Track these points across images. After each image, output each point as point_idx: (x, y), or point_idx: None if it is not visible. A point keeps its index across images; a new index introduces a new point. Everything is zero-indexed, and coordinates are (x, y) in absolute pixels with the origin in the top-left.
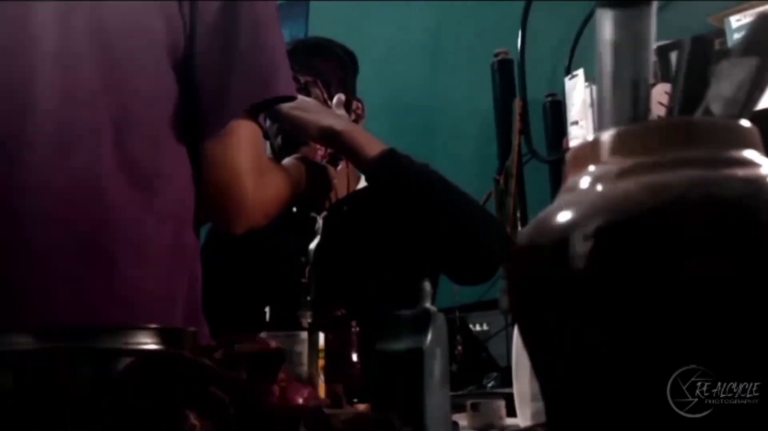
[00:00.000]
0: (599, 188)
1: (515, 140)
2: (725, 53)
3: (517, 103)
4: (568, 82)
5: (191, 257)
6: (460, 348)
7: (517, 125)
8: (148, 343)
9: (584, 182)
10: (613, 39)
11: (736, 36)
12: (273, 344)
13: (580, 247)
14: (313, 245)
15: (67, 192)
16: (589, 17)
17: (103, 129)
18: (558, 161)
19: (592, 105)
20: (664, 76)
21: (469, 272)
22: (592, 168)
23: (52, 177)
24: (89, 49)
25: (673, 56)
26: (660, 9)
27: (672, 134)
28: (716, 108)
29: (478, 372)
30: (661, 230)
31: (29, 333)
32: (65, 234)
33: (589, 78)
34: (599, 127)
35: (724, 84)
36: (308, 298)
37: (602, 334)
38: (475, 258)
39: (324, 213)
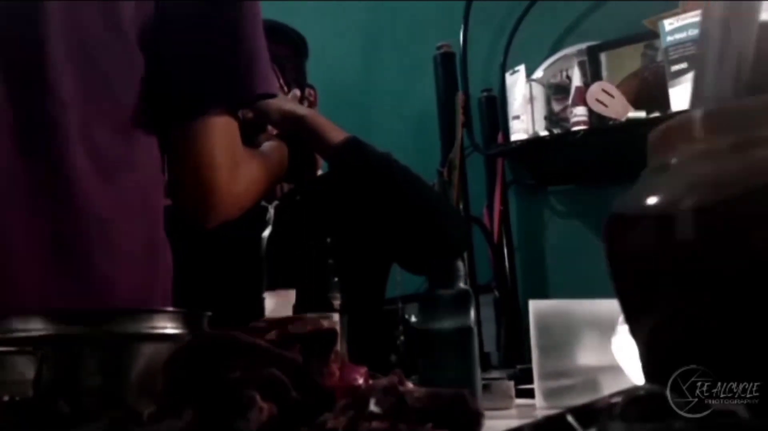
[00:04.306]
0: (705, 164)
1: (458, 132)
2: None
3: (459, 97)
4: (509, 78)
5: (162, 249)
6: (402, 338)
7: (460, 118)
8: (169, 327)
9: (679, 159)
10: (723, 15)
11: (670, 39)
12: (325, 324)
13: (691, 219)
14: (265, 235)
15: (33, 183)
16: (524, 14)
17: (70, 118)
18: (495, 155)
19: (531, 100)
20: (595, 75)
21: (428, 261)
22: (685, 146)
23: (16, 167)
24: (55, 34)
25: (603, 56)
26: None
27: None
28: None
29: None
30: None
31: (48, 317)
32: (32, 226)
33: (530, 74)
34: (693, 105)
35: None
36: (336, 279)
37: (708, 301)
38: (435, 247)
39: (275, 203)
